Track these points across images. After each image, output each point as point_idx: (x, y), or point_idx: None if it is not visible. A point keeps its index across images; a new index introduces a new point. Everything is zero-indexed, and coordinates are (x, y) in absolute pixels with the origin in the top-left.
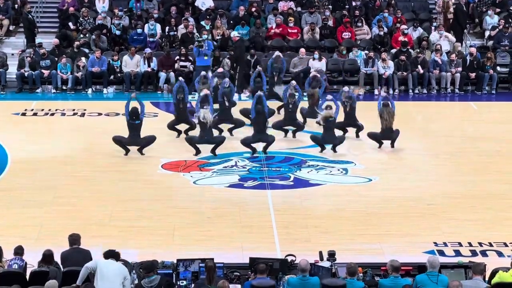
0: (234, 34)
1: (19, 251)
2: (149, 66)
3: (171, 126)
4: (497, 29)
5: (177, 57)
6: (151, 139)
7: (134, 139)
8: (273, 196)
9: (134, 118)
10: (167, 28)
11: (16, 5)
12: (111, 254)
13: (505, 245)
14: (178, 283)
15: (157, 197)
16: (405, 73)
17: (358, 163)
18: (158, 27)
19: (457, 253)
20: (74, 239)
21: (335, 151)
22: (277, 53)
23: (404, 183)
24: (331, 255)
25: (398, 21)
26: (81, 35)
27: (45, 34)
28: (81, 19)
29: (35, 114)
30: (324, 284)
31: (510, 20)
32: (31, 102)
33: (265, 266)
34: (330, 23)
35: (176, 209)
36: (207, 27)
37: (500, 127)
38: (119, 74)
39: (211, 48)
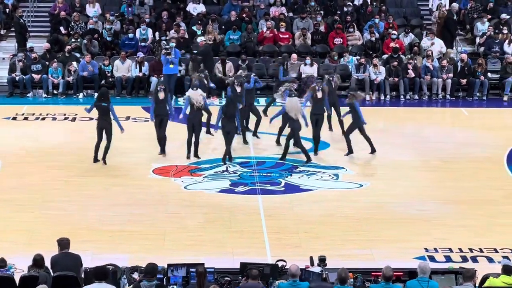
0: (201, 39)
1: (1, 263)
2: (140, 70)
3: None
4: (485, 36)
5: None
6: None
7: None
8: (264, 202)
9: None
10: (157, 33)
11: (7, 9)
12: (102, 273)
13: (496, 251)
14: (169, 287)
15: (148, 202)
16: (396, 79)
17: (349, 169)
18: (150, 32)
19: (448, 259)
20: (64, 243)
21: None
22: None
23: (395, 188)
24: (322, 261)
25: (389, 27)
26: (73, 40)
27: (36, 38)
28: (72, 23)
29: (26, 118)
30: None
31: (500, 27)
32: (22, 107)
33: (257, 272)
34: (322, 28)
35: (167, 214)
36: (199, 32)
37: (491, 133)
38: (110, 79)
39: (178, 57)
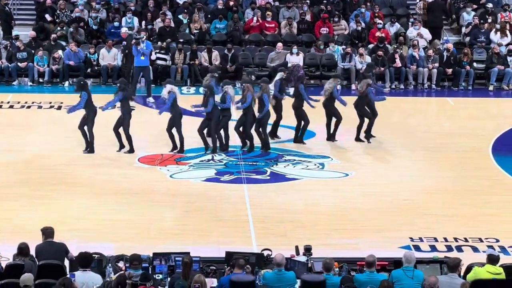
0: (125, 30)
1: None
2: None
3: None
4: (471, 26)
5: (155, 50)
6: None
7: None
8: (250, 191)
9: None
10: (143, 22)
11: None
12: (86, 260)
13: (480, 240)
14: (154, 276)
15: (133, 191)
16: (382, 69)
17: (334, 158)
18: (136, 20)
19: (433, 249)
20: (48, 232)
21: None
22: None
23: (380, 178)
24: (307, 250)
25: (375, 16)
26: (58, 28)
27: (22, 26)
28: (58, 11)
29: (11, 106)
30: (304, 280)
31: (486, 16)
32: (8, 95)
33: (244, 261)
34: (308, 17)
35: (152, 202)
36: (185, 21)
37: (477, 123)
38: (96, 68)
39: (150, 48)
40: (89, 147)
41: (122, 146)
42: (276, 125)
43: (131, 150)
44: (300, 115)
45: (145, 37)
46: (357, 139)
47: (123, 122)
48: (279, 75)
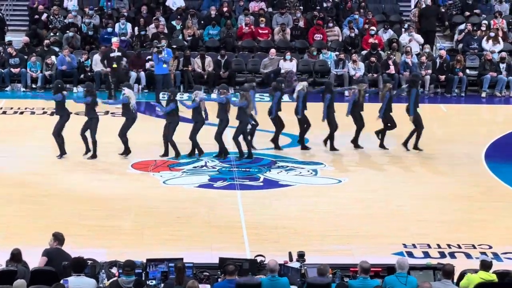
0: (116, 39)
1: None
2: None
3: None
4: (464, 33)
5: (148, 57)
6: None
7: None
8: (243, 197)
9: None
10: (136, 28)
11: None
12: (79, 265)
13: (474, 247)
14: (148, 282)
15: (126, 197)
16: (375, 75)
17: (327, 165)
18: (129, 26)
19: (426, 255)
20: (60, 238)
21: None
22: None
23: (373, 184)
24: (301, 256)
25: (367, 23)
26: (51, 34)
27: (15, 32)
28: (51, 17)
29: (4, 112)
30: (310, 283)
31: (480, 23)
32: (0, 101)
33: (234, 267)
34: (301, 24)
35: (145, 208)
36: (178, 27)
37: (469, 130)
38: (89, 73)
39: (170, 56)
40: (62, 153)
41: (88, 150)
42: (301, 135)
43: (94, 156)
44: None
45: (165, 44)
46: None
47: (91, 126)
48: (301, 85)
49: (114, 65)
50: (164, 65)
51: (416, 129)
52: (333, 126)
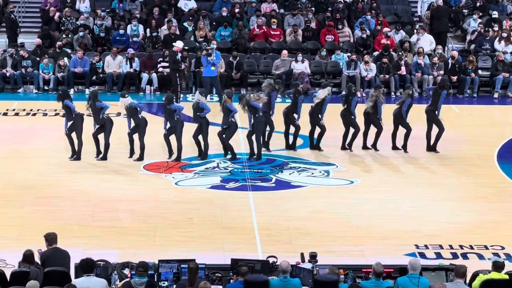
0: (181, 44)
1: None
2: (131, 67)
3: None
4: (476, 33)
5: (160, 58)
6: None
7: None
8: (255, 198)
9: None
10: (148, 29)
11: None
12: (88, 266)
13: (486, 248)
14: (160, 283)
15: (138, 198)
16: (387, 76)
17: (340, 166)
18: (141, 28)
19: (438, 256)
20: (52, 238)
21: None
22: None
23: (385, 185)
24: (313, 257)
25: (379, 24)
26: (64, 35)
27: (27, 34)
28: (63, 19)
29: (17, 114)
30: (317, 279)
31: (492, 24)
32: (13, 102)
33: (247, 268)
34: (313, 25)
35: (157, 210)
36: (190, 29)
37: (481, 130)
38: (101, 75)
39: (219, 58)
40: (76, 155)
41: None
42: (319, 137)
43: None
44: (349, 122)
45: (215, 47)
46: (394, 147)
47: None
48: (327, 90)
49: (182, 67)
50: (213, 68)
51: (439, 131)
52: (356, 127)
